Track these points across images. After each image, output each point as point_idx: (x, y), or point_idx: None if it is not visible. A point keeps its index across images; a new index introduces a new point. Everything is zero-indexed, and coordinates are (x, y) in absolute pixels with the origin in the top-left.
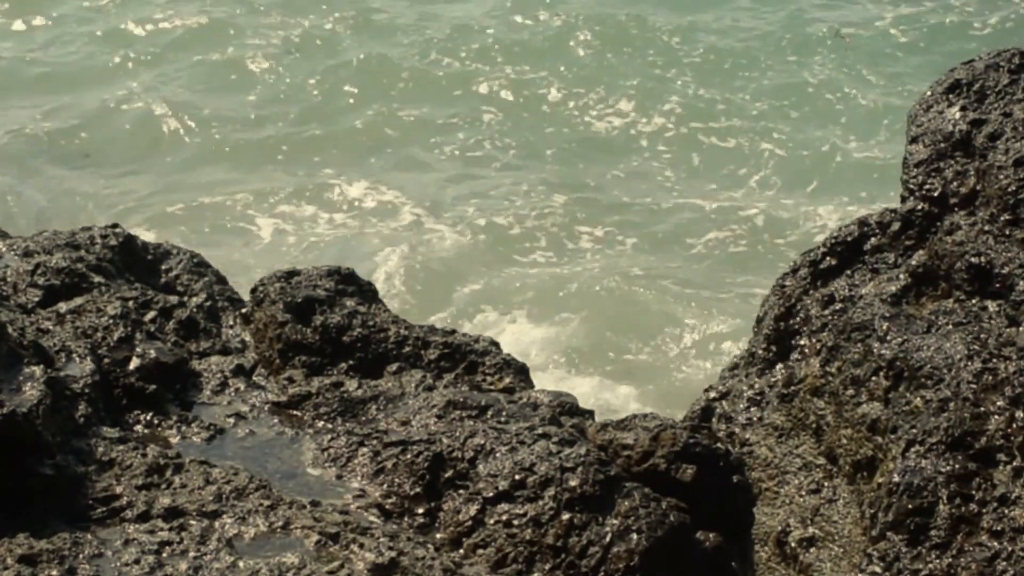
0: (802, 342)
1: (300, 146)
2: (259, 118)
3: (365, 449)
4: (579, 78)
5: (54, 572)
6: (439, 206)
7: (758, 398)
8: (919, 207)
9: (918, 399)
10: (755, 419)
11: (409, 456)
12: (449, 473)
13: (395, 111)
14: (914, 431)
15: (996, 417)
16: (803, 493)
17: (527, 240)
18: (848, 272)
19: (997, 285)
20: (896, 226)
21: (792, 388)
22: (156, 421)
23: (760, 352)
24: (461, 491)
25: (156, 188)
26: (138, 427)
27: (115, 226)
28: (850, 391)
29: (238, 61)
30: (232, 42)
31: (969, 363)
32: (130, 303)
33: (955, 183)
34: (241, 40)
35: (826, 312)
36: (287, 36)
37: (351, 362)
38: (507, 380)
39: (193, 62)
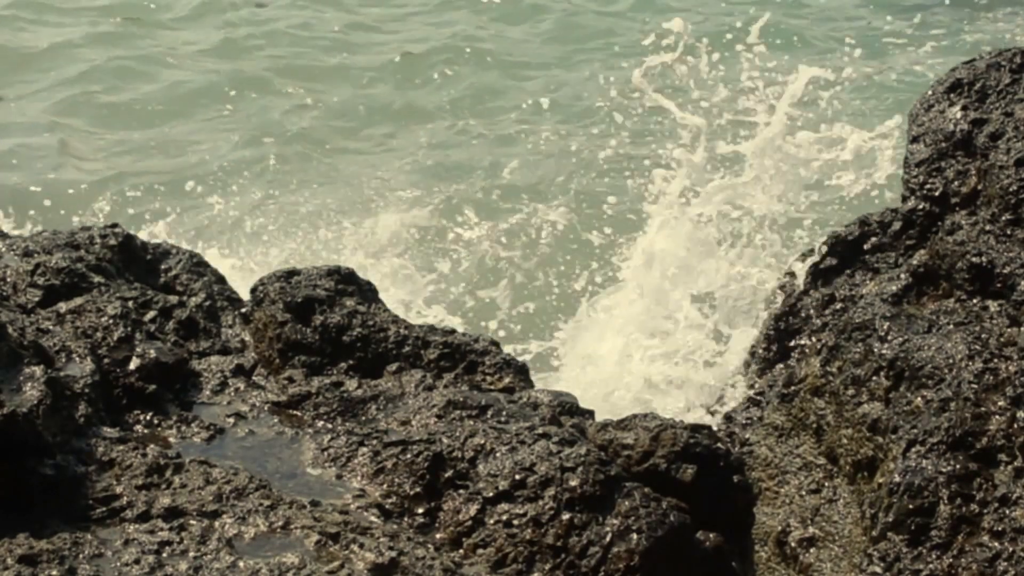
0: (802, 342)
1: None
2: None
3: (365, 449)
4: None
5: (54, 572)
6: None
7: (758, 398)
8: (920, 207)
9: (919, 399)
10: (755, 419)
11: (409, 456)
12: (449, 473)
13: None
14: (915, 431)
15: (997, 417)
16: (803, 493)
17: None
18: (849, 272)
19: (998, 285)
20: (897, 225)
21: (792, 388)
22: (156, 421)
23: (760, 352)
24: (461, 491)
25: None
26: (138, 427)
27: (115, 226)
28: (851, 391)
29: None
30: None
31: (970, 363)
32: (130, 303)
33: (956, 183)
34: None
35: (826, 312)
36: None
37: (351, 362)
38: (507, 380)
39: None
